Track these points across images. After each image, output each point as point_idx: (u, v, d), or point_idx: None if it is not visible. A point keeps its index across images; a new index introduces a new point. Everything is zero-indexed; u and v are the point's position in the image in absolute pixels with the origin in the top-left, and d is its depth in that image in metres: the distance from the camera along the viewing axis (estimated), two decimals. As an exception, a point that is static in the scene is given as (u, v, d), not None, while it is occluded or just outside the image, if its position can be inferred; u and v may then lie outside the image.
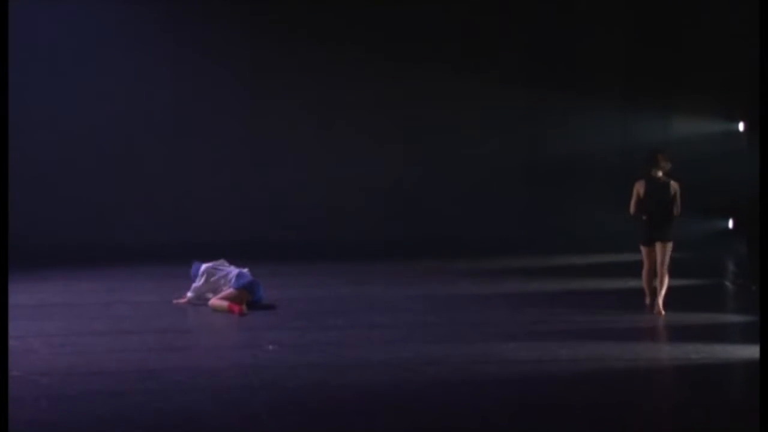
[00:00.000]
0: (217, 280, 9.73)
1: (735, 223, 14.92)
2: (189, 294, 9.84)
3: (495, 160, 14.95)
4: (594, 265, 12.56)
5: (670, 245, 9.41)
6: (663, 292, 9.41)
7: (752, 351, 7.25)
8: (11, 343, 7.71)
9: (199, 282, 9.78)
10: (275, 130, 14.71)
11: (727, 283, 11.47)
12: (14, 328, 8.28)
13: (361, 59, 14.66)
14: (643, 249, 9.59)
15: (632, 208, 9.50)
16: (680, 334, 8.78)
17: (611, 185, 14.51)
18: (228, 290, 9.60)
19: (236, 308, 9.31)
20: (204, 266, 9.83)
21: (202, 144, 14.63)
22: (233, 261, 10.04)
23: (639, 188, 9.43)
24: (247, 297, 9.54)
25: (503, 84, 14.76)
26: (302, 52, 14.59)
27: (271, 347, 7.91)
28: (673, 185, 9.39)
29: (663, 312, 9.34)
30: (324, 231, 14.48)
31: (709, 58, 14.58)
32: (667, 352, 7.81)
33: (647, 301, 9.68)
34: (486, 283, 11.27)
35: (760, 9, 8.04)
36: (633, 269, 12.14)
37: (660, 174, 9.39)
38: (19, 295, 10.03)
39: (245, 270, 9.81)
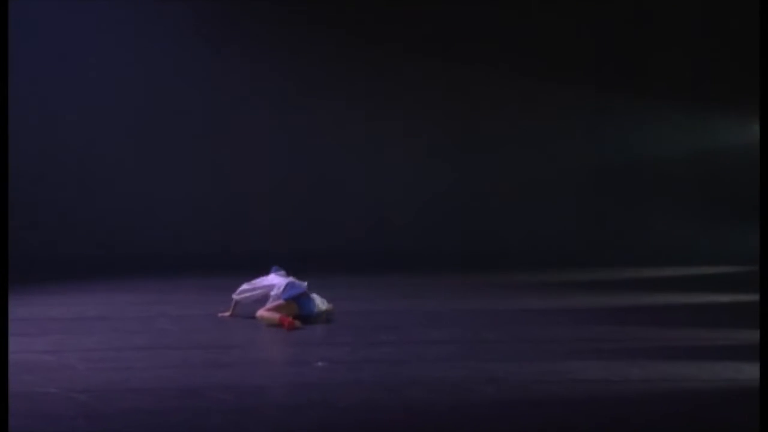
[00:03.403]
0: (263, 294, 9.39)
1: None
2: (235, 296, 9.49)
3: (560, 167, 14.59)
4: (666, 279, 12.12)
5: None
6: None
7: None
8: (47, 358, 7.61)
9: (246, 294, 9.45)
10: (321, 138, 14.48)
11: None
12: (51, 342, 8.24)
13: (415, 61, 14.37)
14: None
15: None
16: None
17: (687, 193, 14.07)
18: (276, 301, 9.24)
19: (286, 321, 8.96)
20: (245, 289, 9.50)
21: (244, 153, 14.48)
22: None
23: None
24: (295, 309, 9.19)
25: (571, 88, 14.41)
26: (344, 57, 14.32)
27: (320, 364, 7.60)
28: None
29: None
30: (375, 242, 14.22)
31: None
32: (748, 373, 7.27)
33: None
34: (549, 297, 10.90)
35: (761, 9, 7.98)
36: (708, 283, 11.74)
37: None
38: (57, 308, 9.91)
39: (292, 279, 9.45)
